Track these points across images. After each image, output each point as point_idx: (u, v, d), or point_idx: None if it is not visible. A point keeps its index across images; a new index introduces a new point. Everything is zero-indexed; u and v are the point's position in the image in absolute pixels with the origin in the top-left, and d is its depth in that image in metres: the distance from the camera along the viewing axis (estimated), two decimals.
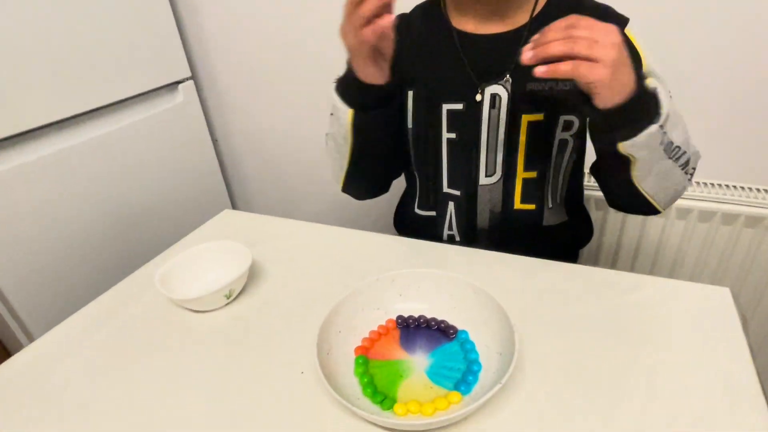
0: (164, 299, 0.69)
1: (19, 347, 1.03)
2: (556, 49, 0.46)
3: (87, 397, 0.54)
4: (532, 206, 0.74)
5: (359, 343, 0.56)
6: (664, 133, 0.53)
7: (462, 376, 0.50)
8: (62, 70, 1.04)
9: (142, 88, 1.22)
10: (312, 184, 1.51)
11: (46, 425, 0.51)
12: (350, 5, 0.52)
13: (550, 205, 0.76)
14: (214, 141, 1.54)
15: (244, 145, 1.55)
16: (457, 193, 0.76)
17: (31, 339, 1.03)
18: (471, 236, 0.79)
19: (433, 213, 0.81)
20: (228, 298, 0.65)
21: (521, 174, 0.72)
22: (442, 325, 0.57)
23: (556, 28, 0.47)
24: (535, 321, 0.58)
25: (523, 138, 0.70)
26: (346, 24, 0.55)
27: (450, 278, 0.59)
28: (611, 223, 1.10)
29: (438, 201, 0.79)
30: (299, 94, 1.37)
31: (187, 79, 1.34)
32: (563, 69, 0.46)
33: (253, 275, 0.73)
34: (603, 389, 0.49)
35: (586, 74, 0.46)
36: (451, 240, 0.81)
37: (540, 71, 0.47)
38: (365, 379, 0.51)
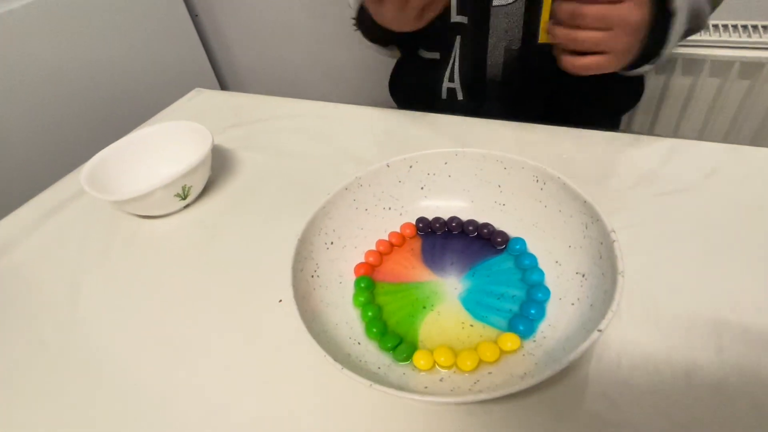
0: (106, 203, 0.52)
1: None
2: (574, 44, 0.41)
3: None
4: None
5: (361, 259, 0.38)
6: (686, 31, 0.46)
7: (520, 308, 0.32)
8: None
9: None
10: (315, 61, 1.25)
11: None
12: None
13: None
14: (194, 16, 1.28)
15: (231, 19, 1.28)
16: (466, 20, 0.55)
17: None
18: (477, 89, 0.60)
19: (437, 55, 0.61)
20: (183, 199, 0.47)
21: None
22: (485, 230, 0.38)
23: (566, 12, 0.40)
24: (627, 223, 0.38)
25: None
26: None
27: (497, 159, 0.38)
28: (650, 86, 0.83)
29: (444, 35, 0.58)
30: None
31: None
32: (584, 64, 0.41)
33: (224, 168, 0.54)
34: (740, 325, 0.30)
35: (605, 67, 0.41)
36: (451, 97, 0.62)
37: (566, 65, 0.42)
38: (369, 313, 0.33)
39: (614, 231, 0.30)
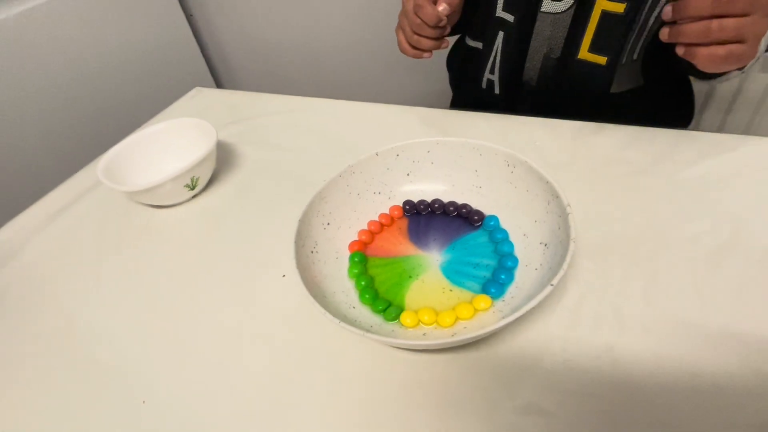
0: (120, 194, 0.56)
1: None
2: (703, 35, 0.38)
3: (39, 299, 0.44)
4: (602, 59, 0.54)
5: (354, 238, 0.43)
6: None
7: (492, 274, 0.37)
8: None
9: None
10: (314, 60, 1.30)
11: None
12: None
13: (624, 60, 0.55)
14: (189, 16, 1.31)
15: (226, 19, 1.32)
16: (511, 19, 0.56)
17: None
18: (513, 87, 0.62)
19: (480, 45, 0.63)
20: (192, 189, 0.52)
21: (602, 3, 0.50)
22: (464, 210, 0.43)
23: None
24: (587, 200, 0.43)
25: None
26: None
27: (474, 147, 0.43)
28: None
29: (488, 28, 0.60)
30: None
31: None
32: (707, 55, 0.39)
33: (227, 161, 0.59)
34: (680, 288, 0.35)
35: (743, 56, 0.39)
36: (489, 89, 0.63)
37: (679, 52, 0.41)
38: (362, 282, 0.38)
39: (569, 205, 0.35)
